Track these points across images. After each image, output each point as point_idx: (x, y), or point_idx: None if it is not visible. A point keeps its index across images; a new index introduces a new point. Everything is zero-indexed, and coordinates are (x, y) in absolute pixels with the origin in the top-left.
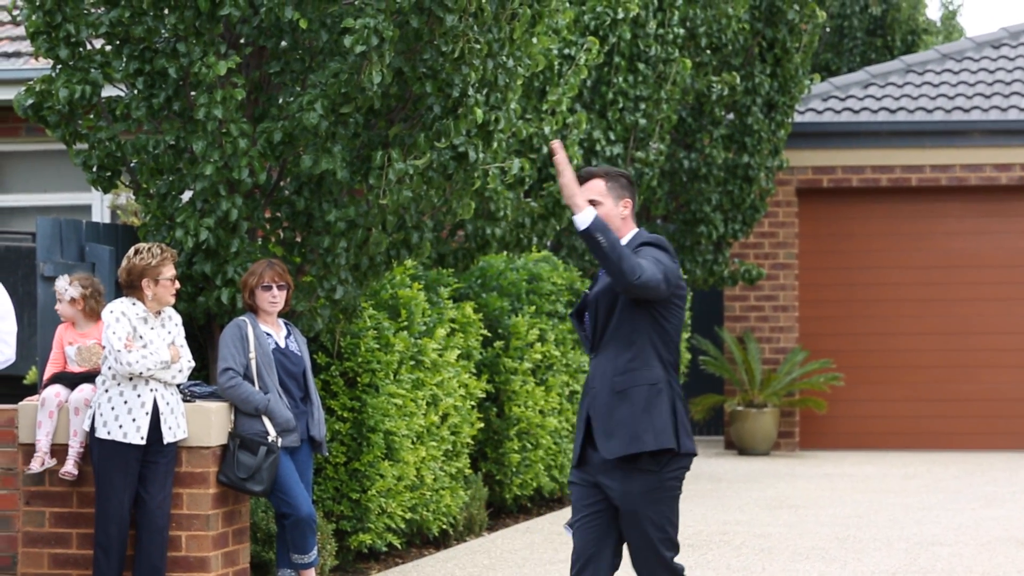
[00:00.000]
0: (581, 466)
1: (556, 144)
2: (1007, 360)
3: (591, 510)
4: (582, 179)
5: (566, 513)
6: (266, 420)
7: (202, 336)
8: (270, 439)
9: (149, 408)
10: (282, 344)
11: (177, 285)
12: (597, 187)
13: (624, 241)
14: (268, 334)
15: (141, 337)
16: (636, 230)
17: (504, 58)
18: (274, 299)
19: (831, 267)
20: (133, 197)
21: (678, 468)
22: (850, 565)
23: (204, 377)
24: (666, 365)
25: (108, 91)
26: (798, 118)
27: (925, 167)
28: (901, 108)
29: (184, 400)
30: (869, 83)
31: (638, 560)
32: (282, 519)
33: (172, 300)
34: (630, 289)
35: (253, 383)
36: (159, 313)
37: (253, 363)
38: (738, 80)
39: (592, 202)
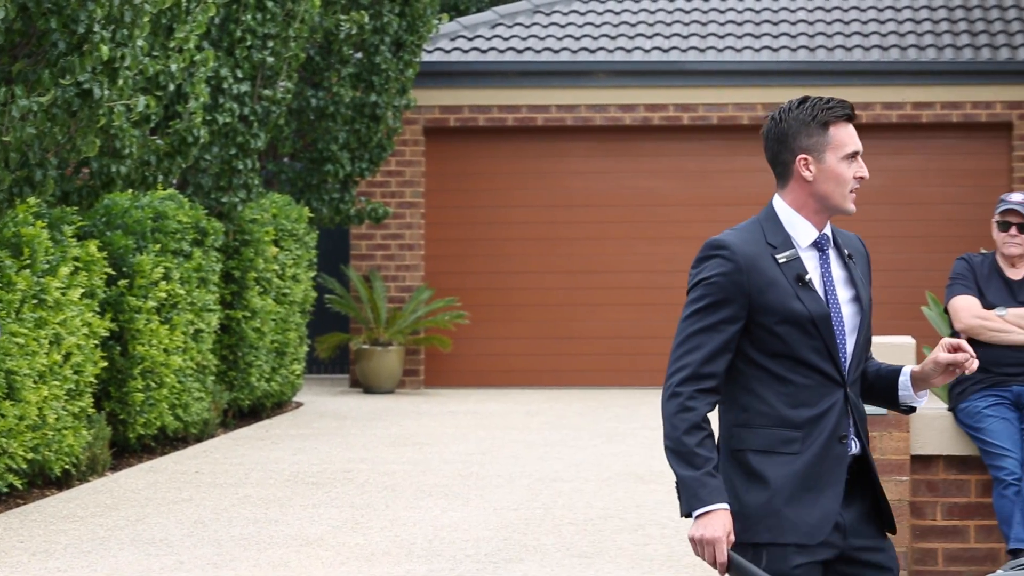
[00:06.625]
0: (821, 541)
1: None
2: (628, 298)
3: None
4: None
5: (190, 452)
6: None
7: None
8: None
9: None
10: None
11: None
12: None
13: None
14: None
15: None
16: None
17: None
18: None
19: (457, 206)
20: None
21: None
22: (473, 502)
23: None
24: None
25: None
26: (426, 57)
27: (551, 107)
28: (528, 48)
29: None
30: (497, 23)
31: None
32: None
33: None
34: None
35: None
36: None
37: None
38: (367, 19)
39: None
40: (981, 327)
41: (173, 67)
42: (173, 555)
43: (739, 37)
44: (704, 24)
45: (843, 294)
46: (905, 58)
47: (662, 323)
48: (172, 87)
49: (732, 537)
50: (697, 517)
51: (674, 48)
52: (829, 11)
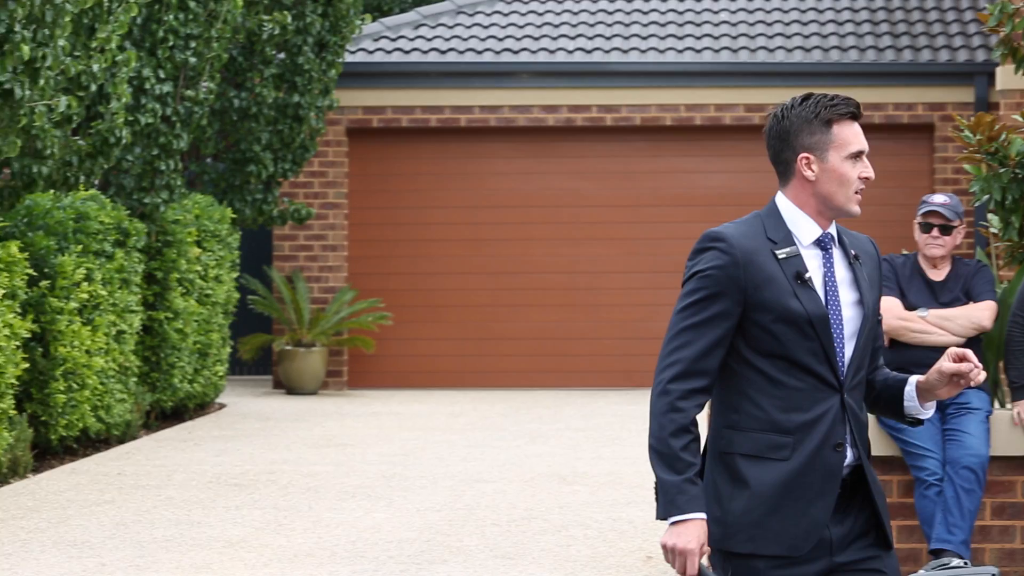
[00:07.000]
0: (808, 557)
1: None
2: (552, 299)
3: None
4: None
5: (113, 454)
6: None
7: None
8: None
9: None
10: None
11: None
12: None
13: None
14: None
15: None
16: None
17: None
18: None
19: (381, 207)
20: None
21: None
22: (396, 503)
23: None
24: None
25: None
26: (349, 58)
27: (474, 108)
28: (451, 49)
29: None
30: (420, 24)
31: None
32: None
33: None
34: None
35: None
36: None
37: None
38: (289, 19)
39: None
40: (903, 328)
41: (95, 67)
42: (95, 557)
43: (662, 38)
44: (627, 25)
45: (846, 296)
46: (827, 59)
47: (585, 324)
48: (94, 87)
49: (706, 548)
50: (672, 524)
51: (597, 49)
52: (751, 12)
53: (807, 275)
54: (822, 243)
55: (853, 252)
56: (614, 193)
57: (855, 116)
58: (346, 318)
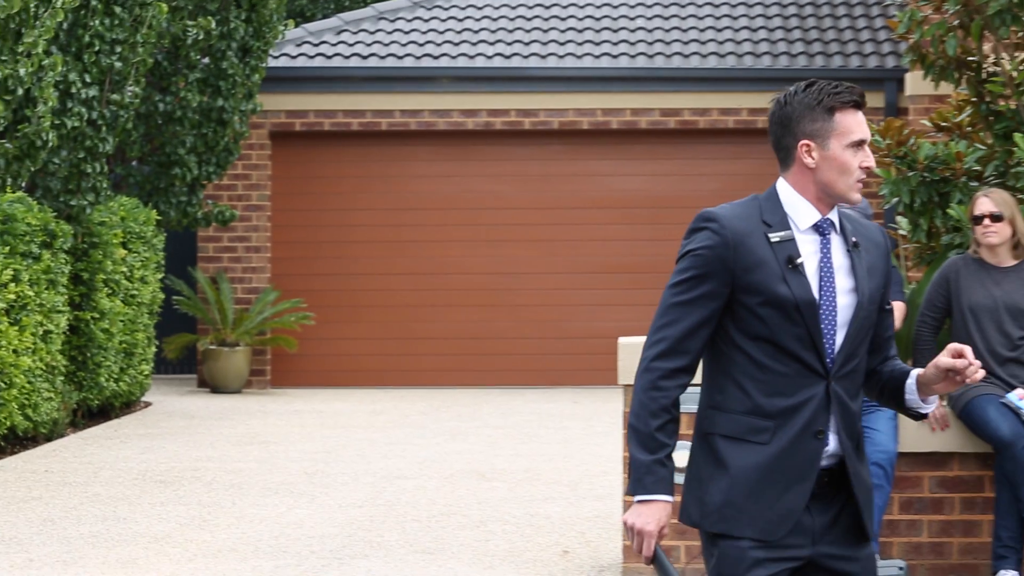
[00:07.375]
0: (787, 537)
1: None
2: (472, 299)
3: None
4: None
5: (40, 451)
6: None
7: None
8: None
9: None
10: None
11: None
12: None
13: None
14: None
15: None
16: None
17: None
18: None
19: (304, 209)
20: None
21: None
22: (318, 499)
23: None
24: None
25: None
26: (272, 63)
27: (395, 112)
28: (373, 54)
29: None
30: (342, 29)
31: None
32: None
33: None
34: None
35: None
36: None
37: None
38: (214, 25)
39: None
40: None
41: (22, 71)
42: (23, 553)
43: (580, 44)
44: (545, 31)
45: (842, 283)
46: (741, 64)
47: (505, 324)
48: (20, 91)
49: (665, 531)
50: (638, 502)
51: (516, 55)
52: (667, 19)
53: (799, 260)
54: (820, 228)
55: (853, 239)
56: (533, 196)
57: (858, 105)
58: (269, 318)
